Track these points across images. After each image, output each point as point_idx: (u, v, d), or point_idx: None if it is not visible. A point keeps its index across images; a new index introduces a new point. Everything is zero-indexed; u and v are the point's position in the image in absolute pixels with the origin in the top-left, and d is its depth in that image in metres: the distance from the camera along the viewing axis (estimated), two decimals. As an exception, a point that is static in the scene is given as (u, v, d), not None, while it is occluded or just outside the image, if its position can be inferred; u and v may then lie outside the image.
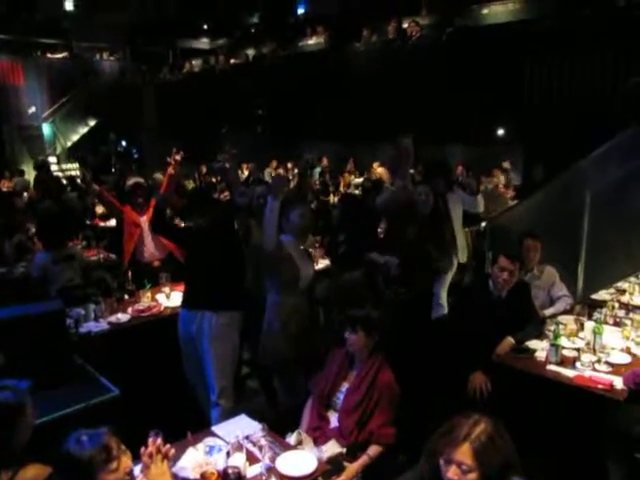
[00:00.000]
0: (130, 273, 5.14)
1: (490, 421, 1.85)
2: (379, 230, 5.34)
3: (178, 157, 4.96)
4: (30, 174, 14.32)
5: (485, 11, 12.70)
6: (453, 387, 3.46)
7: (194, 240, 3.94)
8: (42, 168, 11.01)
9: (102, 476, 1.90)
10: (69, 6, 14.80)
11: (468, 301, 3.95)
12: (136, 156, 16.55)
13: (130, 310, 4.43)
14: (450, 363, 3.45)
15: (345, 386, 3.07)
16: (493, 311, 3.74)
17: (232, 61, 16.44)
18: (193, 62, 17.66)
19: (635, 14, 8.15)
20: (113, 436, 1.98)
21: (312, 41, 14.67)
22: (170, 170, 4.92)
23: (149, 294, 4.68)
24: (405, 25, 12.25)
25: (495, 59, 9.53)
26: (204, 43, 19.62)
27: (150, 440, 2.05)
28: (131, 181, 5.69)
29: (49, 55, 18.00)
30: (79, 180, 12.35)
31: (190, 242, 4.01)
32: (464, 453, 1.79)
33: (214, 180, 10.33)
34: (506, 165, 9.32)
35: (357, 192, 9.31)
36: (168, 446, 2.10)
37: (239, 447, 2.48)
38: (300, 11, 15.54)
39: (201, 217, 3.95)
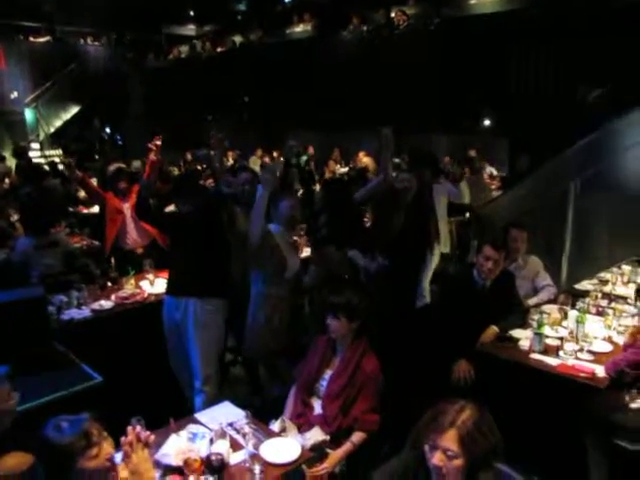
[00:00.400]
0: (113, 260, 5.10)
1: (475, 407, 1.85)
2: (365, 220, 5.34)
3: (159, 142, 4.92)
4: (12, 160, 14.12)
5: (473, 1, 12.69)
6: (437, 376, 3.47)
7: (178, 226, 3.89)
8: (21, 155, 10.81)
9: (82, 462, 1.89)
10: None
11: (452, 290, 3.95)
12: (120, 143, 16.36)
13: (113, 297, 4.38)
14: (434, 352, 3.45)
15: (328, 373, 3.06)
16: (477, 300, 3.75)
17: (218, 48, 16.30)
18: (179, 49, 17.47)
19: (620, 6, 8.17)
20: (94, 422, 1.96)
21: (299, 29, 14.59)
22: (151, 156, 4.88)
23: (132, 281, 4.64)
24: (392, 14, 12.23)
25: (482, 49, 9.55)
26: (190, 30, 19.40)
27: (129, 428, 2.03)
28: (113, 167, 5.64)
29: (31, 39, 17.68)
30: (61, 166, 12.24)
31: (174, 228, 3.96)
32: (450, 439, 1.79)
33: (199, 167, 10.25)
34: (472, 153, 9.18)
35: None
36: (147, 433, 2.07)
37: (222, 434, 2.47)
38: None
39: (186, 203, 3.89)
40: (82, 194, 8.81)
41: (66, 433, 1.89)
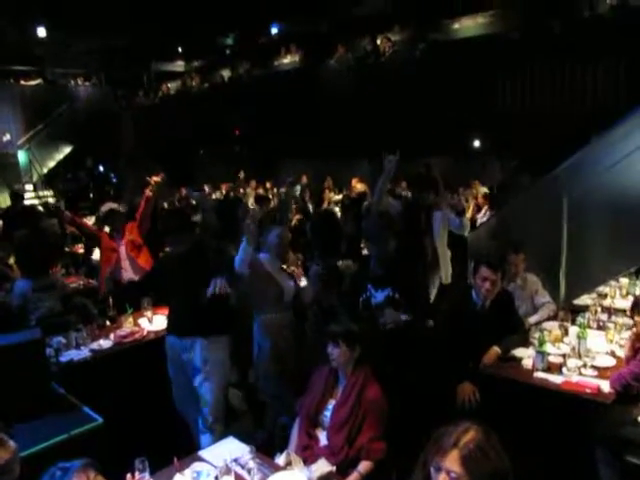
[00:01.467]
0: (111, 299, 5.06)
1: (480, 429, 1.82)
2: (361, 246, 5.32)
3: (158, 179, 4.97)
4: (5, 203, 14.13)
5: (456, 26, 12.92)
6: (442, 399, 3.43)
7: (175, 266, 3.83)
8: (17, 199, 10.91)
9: None
10: (42, 33, 14.70)
11: (452, 312, 3.93)
12: (114, 181, 16.44)
13: (112, 336, 4.35)
14: (437, 375, 3.43)
15: (332, 403, 3.04)
16: (477, 321, 3.74)
17: (207, 84, 16.49)
18: (169, 85, 17.67)
19: (599, 24, 8.35)
20: (87, 471, 1.94)
21: (287, 60, 14.79)
22: (147, 192, 4.91)
23: (131, 319, 4.61)
24: (378, 41, 12.42)
25: (468, 72, 9.69)
26: (179, 66, 19.65)
27: (128, 476, 2.02)
28: (105, 207, 5.65)
29: (22, 82, 17.88)
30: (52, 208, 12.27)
31: (170, 268, 3.90)
32: (452, 460, 1.77)
33: (193, 202, 10.27)
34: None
35: (337, 209, 9.33)
36: (146, 478, 2.07)
37: (227, 471, 2.44)
38: (274, 31, 15.64)
39: (177, 241, 3.88)
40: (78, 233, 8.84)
41: None
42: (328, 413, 3.02)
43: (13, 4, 12.83)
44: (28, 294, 4.85)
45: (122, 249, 5.34)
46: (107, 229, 5.55)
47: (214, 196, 11.06)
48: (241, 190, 11.48)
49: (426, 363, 3.42)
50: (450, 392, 3.53)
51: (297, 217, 7.50)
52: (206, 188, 11.91)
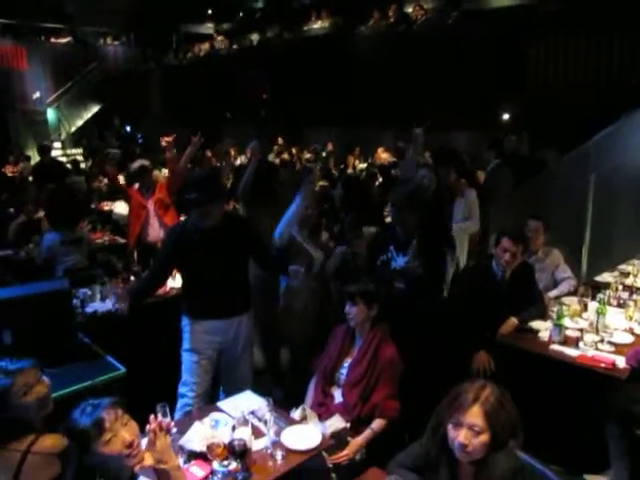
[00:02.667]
0: (136, 254, 5.17)
1: (495, 386, 1.89)
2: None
3: (169, 139, 4.98)
4: (35, 159, 14.35)
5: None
6: (457, 366, 3.48)
7: (204, 245, 3.29)
8: (45, 153, 11.10)
9: (96, 447, 2.00)
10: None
11: (471, 281, 3.95)
12: (141, 141, 16.55)
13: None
14: (454, 342, 3.46)
15: (348, 361, 3.11)
16: (496, 292, 3.75)
17: (236, 46, 16.38)
18: (198, 47, 17.59)
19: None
20: (115, 408, 2.04)
21: (317, 25, 14.59)
22: (167, 154, 4.94)
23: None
24: (410, 9, 12.19)
25: (500, 43, 9.48)
26: (209, 28, 19.52)
27: (152, 417, 2.11)
28: (136, 164, 5.70)
29: (53, 40, 17.95)
30: (83, 165, 12.42)
31: (202, 248, 3.31)
32: (475, 414, 1.82)
33: (218, 164, 10.32)
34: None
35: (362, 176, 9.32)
36: (168, 421, 2.16)
37: (244, 421, 2.51)
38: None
39: (206, 215, 3.24)
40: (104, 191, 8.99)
41: (82, 420, 2.01)
42: (344, 371, 3.09)
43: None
44: (56, 247, 4.99)
45: (150, 207, 5.41)
46: (137, 186, 5.61)
47: (239, 160, 11.07)
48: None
49: (442, 330, 3.45)
50: (466, 359, 3.57)
51: (321, 183, 7.50)
52: (232, 151, 11.92)
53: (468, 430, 1.83)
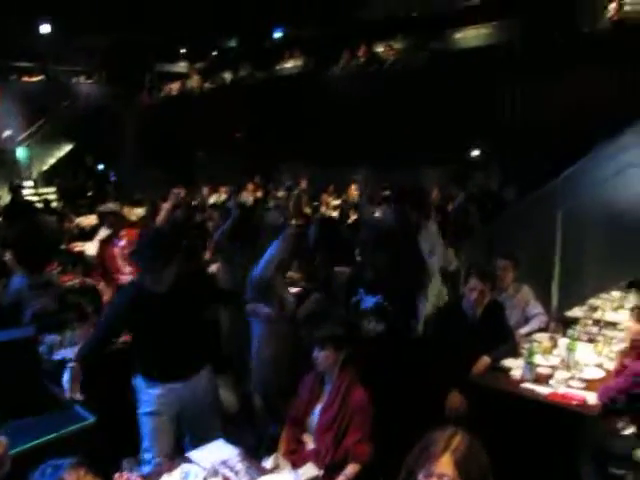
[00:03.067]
0: (106, 297, 5.09)
1: (465, 434, 1.87)
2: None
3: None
4: (5, 199, 14.17)
5: (458, 35, 13.01)
6: (430, 407, 3.46)
7: (163, 309, 3.10)
8: (17, 192, 11.00)
9: None
10: (44, 29, 14.72)
11: (443, 321, 3.97)
12: (113, 179, 16.47)
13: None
14: (427, 383, 3.46)
15: (318, 406, 3.08)
16: (468, 331, 3.77)
17: (209, 85, 16.53)
18: (171, 86, 17.72)
19: (598, 39, 8.43)
20: (78, 469, 1.98)
21: (289, 65, 14.85)
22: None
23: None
24: (380, 49, 12.49)
25: (469, 82, 9.74)
26: (182, 67, 19.71)
27: (116, 476, 2.06)
28: (105, 208, 5.68)
29: (25, 78, 17.92)
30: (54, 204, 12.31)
31: (157, 312, 3.11)
32: (445, 464, 1.80)
33: (193, 203, 10.29)
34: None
35: (335, 214, 9.38)
36: (135, 476, 2.10)
37: (215, 473, 2.46)
38: (277, 35, 15.71)
39: (158, 281, 3.08)
40: (76, 231, 8.90)
41: None
42: (315, 417, 3.05)
43: (16, 1, 12.85)
44: (24, 291, 4.88)
45: (117, 250, 5.35)
46: (103, 232, 5.55)
47: (212, 199, 11.07)
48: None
49: (414, 371, 3.45)
50: (438, 400, 3.56)
51: (294, 222, 7.52)
52: (205, 190, 11.93)
53: (436, 479, 1.82)
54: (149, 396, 3.21)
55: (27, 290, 4.89)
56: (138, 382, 3.27)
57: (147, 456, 3.17)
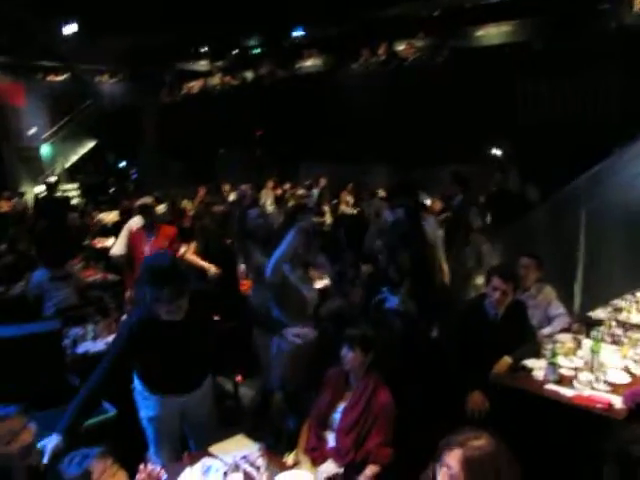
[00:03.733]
0: (129, 293, 5.14)
1: (492, 442, 1.82)
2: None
3: None
4: (30, 194, 14.41)
5: (479, 33, 12.90)
6: (452, 408, 3.44)
7: (174, 335, 2.90)
8: (50, 189, 11.19)
9: None
10: (69, 30, 14.90)
11: (465, 320, 3.94)
12: (135, 176, 16.63)
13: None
14: (448, 383, 3.43)
15: (342, 405, 3.06)
16: (489, 331, 3.73)
17: (229, 83, 16.61)
18: (192, 84, 17.82)
19: (622, 36, 8.30)
20: (105, 458, 2.00)
21: (309, 63, 14.86)
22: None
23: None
24: (401, 47, 12.45)
25: (490, 80, 9.67)
26: (203, 65, 19.81)
27: (141, 467, 2.08)
28: (140, 202, 5.69)
29: (51, 77, 18.18)
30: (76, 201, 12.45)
31: (169, 337, 2.89)
32: (454, 457, 1.79)
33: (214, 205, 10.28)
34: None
35: (351, 211, 9.38)
36: (158, 469, 2.12)
37: (236, 467, 2.47)
38: (297, 33, 15.72)
39: (178, 311, 2.84)
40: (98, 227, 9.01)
41: (69, 471, 1.98)
42: (337, 415, 3.05)
43: (42, 2, 13.04)
44: (45, 283, 4.98)
45: (148, 248, 5.34)
46: (137, 221, 5.55)
47: (232, 197, 11.11)
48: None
49: (436, 371, 3.43)
50: (460, 400, 3.53)
51: (314, 219, 7.51)
52: (226, 187, 11.97)
53: (445, 469, 1.81)
54: (148, 402, 3.10)
55: (48, 282, 4.98)
56: (137, 385, 3.13)
57: (154, 458, 3.06)
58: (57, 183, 13.85)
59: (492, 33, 12.68)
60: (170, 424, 3.10)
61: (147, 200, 5.64)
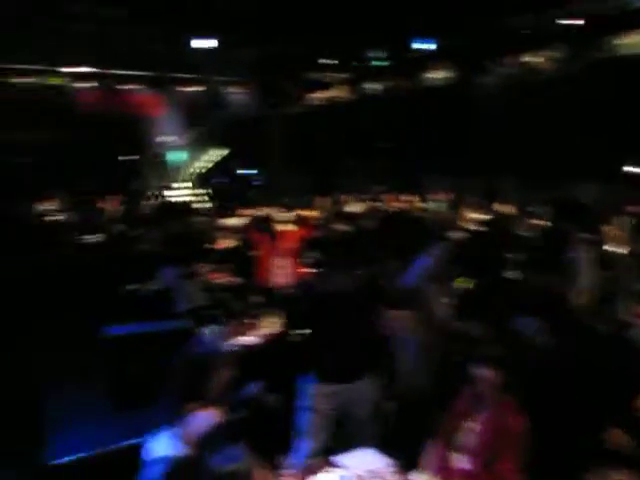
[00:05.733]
0: (256, 297, 5.29)
1: None
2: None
3: None
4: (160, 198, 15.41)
5: (618, 42, 12.10)
6: (592, 441, 3.19)
7: (341, 303, 3.40)
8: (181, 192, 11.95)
9: None
10: (201, 44, 15.85)
11: (604, 350, 3.64)
12: (258, 183, 17.30)
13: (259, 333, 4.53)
14: (588, 414, 3.19)
15: (472, 426, 2.94)
16: (634, 360, 3.43)
17: (353, 93, 16.80)
18: (317, 95, 18.23)
19: None
20: (264, 467, 2.08)
21: (434, 75, 14.67)
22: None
23: (273, 319, 4.74)
24: (534, 59, 11.97)
25: (629, 91, 9.05)
26: (329, 77, 20.22)
27: (285, 472, 2.13)
28: (262, 213, 5.92)
29: (186, 88, 19.41)
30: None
31: (334, 306, 3.40)
32: None
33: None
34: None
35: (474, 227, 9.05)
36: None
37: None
38: (421, 46, 15.57)
39: (346, 277, 3.39)
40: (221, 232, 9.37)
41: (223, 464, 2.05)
42: (464, 435, 2.93)
43: (177, 20, 14.00)
44: (173, 280, 5.26)
45: (275, 252, 5.54)
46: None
47: (353, 207, 11.14)
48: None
49: (574, 399, 3.19)
50: (599, 434, 3.27)
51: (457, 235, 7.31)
52: (344, 198, 12.04)
53: None
54: (312, 392, 3.40)
55: (176, 279, 5.26)
56: (306, 377, 3.44)
57: (299, 444, 3.34)
58: (188, 188, 14.72)
59: (630, 42, 11.85)
60: (326, 416, 3.37)
61: (268, 211, 5.87)
